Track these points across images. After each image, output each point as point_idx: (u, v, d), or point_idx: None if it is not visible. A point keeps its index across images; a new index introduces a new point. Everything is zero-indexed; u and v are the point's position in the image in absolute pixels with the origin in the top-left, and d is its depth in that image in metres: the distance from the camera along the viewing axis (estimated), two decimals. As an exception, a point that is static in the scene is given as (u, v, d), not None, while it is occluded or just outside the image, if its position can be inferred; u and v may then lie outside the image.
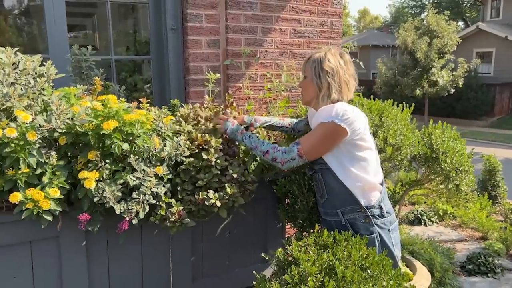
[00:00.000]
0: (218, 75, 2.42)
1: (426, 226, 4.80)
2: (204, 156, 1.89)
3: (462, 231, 4.71)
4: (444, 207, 4.99)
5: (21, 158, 1.59)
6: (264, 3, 2.86)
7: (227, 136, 2.02)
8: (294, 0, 2.97)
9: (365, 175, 1.85)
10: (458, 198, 2.69)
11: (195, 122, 2.08)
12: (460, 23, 30.98)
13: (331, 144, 1.82)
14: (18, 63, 1.70)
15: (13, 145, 1.56)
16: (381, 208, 1.88)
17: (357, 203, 1.85)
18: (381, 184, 1.93)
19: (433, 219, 4.86)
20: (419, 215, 4.88)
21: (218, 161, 1.92)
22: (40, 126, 1.64)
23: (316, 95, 1.91)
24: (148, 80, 3.34)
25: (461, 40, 16.57)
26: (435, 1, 30.05)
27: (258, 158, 2.20)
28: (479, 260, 3.60)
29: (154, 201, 1.82)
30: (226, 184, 1.93)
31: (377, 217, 1.87)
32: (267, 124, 2.24)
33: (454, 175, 2.56)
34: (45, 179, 1.65)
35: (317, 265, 1.55)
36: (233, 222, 2.29)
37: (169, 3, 2.64)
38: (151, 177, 1.79)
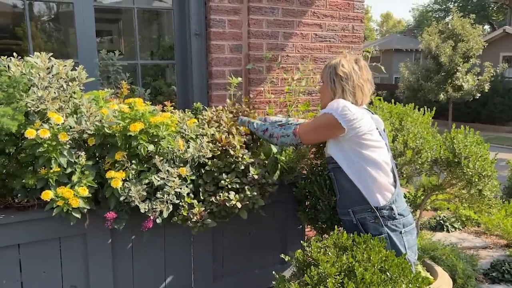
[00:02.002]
0: (240, 79, 2.47)
1: (449, 232, 4.72)
2: (232, 152, 1.96)
3: (486, 238, 4.61)
4: (467, 213, 4.90)
5: (52, 158, 1.67)
6: (286, 9, 2.90)
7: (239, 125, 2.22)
8: (315, 5, 3.00)
9: (375, 175, 1.88)
10: (481, 203, 2.65)
11: (218, 124, 2.13)
12: (486, 27, 30.33)
13: (324, 133, 1.94)
14: (52, 68, 1.78)
15: (45, 145, 1.64)
16: (392, 209, 1.89)
17: (367, 203, 1.88)
18: (394, 186, 1.94)
19: (455, 225, 4.78)
20: (441, 221, 4.81)
21: (245, 156, 1.99)
22: (71, 128, 1.72)
23: (331, 99, 1.97)
24: (171, 83, 3.42)
25: (487, 44, 16.23)
26: (460, 5, 29.51)
27: (278, 162, 2.24)
28: (503, 268, 3.53)
29: (177, 201, 1.87)
30: (246, 187, 1.98)
31: (387, 218, 1.89)
32: (277, 123, 2.28)
33: (476, 180, 2.53)
34: (74, 178, 1.73)
35: (337, 266, 1.57)
36: (254, 224, 2.33)
37: (193, 9, 2.71)
38: (175, 178, 1.85)
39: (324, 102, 2.04)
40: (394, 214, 1.90)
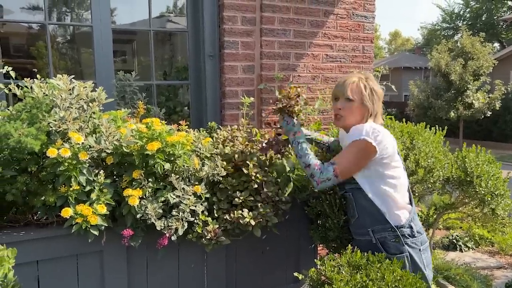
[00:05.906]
0: (252, 98, 2.51)
1: (462, 251, 4.66)
2: (245, 171, 1.99)
3: (501, 258, 4.55)
4: (480, 232, 4.84)
5: (73, 176, 1.72)
6: (297, 30, 2.97)
7: (283, 131, 2.03)
8: (326, 27, 3.07)
9: (395, 194, 1.89)
10: (494, 222, 2.64)
11: (232, 144, 2.18)
12: (496, 45, 30.31)
13: (363, 161, 1.86)
14: (73, 89, 1.85)
15: (66, 164, 1.69)
16: (411, 227, 1.90)
17: (387, 222, 1.88)
18: (410, 204, 1.96)
19: (468, 245, 4.72)
20: (454, 240, 4.75)
21: (258, 175, 2.01)
22: (91, 147, 1.78)
23: (362, 118, 1.93)
24: (185, 103, 3.49)
25: (497, 62, 16.21)
26: (469, 23, 29.60)
27: (291, 180, 2.27)
28: (518, 289, 3.48)
29: (192, 219, 1.90)
30: (259, 204, 2.00)
31: (408, 236, 1.89)
32: (307, 136, 2.21)
33: (489, 199, 2.53)
34: (93, 196, 1.77)
35: (350, 285, 1.58)
36: (267, 242, 2.34)
37: (207, 31, 2.79)
38: (190, 196, 1.88)
39: (352, 121, 1.93)
40: (413, 232, 1.90)
